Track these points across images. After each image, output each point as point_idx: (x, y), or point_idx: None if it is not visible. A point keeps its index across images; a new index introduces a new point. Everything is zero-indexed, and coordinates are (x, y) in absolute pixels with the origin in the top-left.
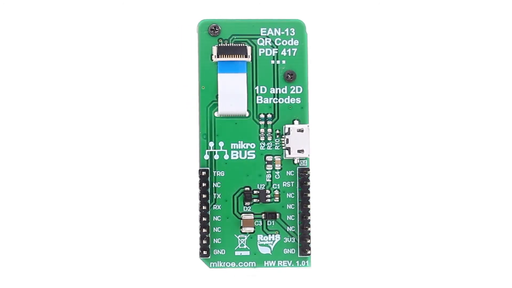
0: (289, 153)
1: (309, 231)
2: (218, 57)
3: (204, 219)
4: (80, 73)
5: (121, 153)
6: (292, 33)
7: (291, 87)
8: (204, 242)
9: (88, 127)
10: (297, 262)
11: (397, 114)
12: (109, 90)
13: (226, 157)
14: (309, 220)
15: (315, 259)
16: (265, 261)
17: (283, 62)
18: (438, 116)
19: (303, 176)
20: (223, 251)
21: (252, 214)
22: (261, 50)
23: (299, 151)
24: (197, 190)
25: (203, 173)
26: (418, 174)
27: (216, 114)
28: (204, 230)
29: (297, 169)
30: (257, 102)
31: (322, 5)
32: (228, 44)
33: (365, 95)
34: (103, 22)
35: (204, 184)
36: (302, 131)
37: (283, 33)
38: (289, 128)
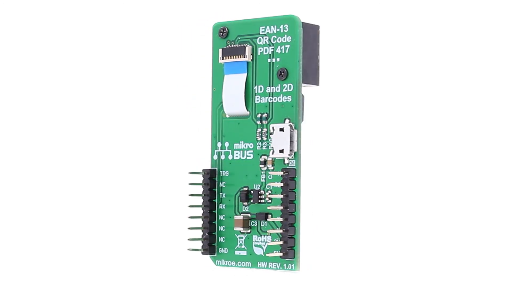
0: (273, 153)
1: (290, 234)
2: (222, 59)
3: (209, 217)
4: (94, 74)
5: (137, 153)
6: (286, 29)
7: (283, 85)
8: (210, 240)
9: (97, 125)
10: (284, 265)
11: (395, 115)
12: (130, 91)
13: (230, 157)
14: (291, 223)
15: (306, 263)
16: (258, 262)
17: (277, 60)
18: (433, 117)
19: (284, 177)
20: (226, 249)
21: (242, 215)
22: (260, 49)
23: (280, 151)
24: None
25: (207, 173)
26: (410, 177)
27: (224, 115)
28: (210, 228)
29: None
30: (256, 101)
31: (336, 6)
32: (233, 46)
33: (370, 96)
34: (118, 24)
35: (208, 184)
36: (283, 130)
37: (278, 30)
38: (273, 128)
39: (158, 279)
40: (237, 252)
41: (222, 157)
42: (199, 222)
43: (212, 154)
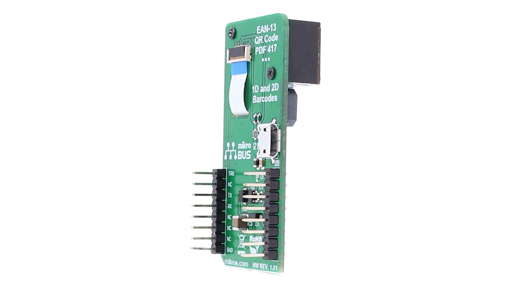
0: (259, 153)
1: (273, 235)
2: (229, 59)
3: (217, 217)
4: (104, 74)
5: (148, 153)
6: (274, 28)
7: (272, 85)
8: (219, 239)
9: (105, 125)
10: (270, 266)
11: (394, 115)
12: (143, 90)
13: (236, 157)
14: (273, 224)
15: (292, 265)
16: (253, 263)
17: (268, 59)
18: (432, 117)
19: (266, 177)
20: (231, 249)
21: (239, 215)
22: (257, 49)
23: (264, 151)
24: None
25: (215, 172)
26: (397, 179)
27: (233, 115)
28: (218, 228)
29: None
30: (253, 101)
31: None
32: (237, 46)
33: (370, 94)
34: (132, 23)
35: (216, 183)
36: (265, 130)
37: (269, 29)
38: (259, 128)
39: (165, 278)
40: (238, 252)
41: (230, 157)
42: (205, 222)
43: (224, 154)
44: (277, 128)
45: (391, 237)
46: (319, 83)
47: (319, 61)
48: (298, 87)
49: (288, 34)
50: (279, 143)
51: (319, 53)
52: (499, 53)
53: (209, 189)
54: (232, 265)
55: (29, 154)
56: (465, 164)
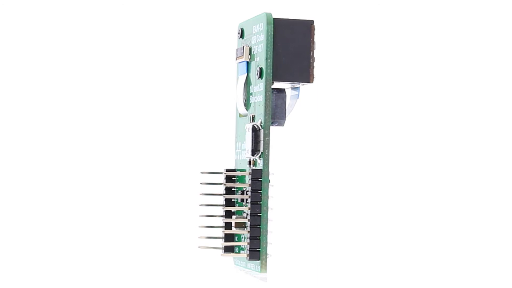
0: (246, 154)
1: (255, 236)
2: (236, 59)
3: (227, 218)
4: (116, 73)
5: (161, 151)
6: (261, 27)
7: (260, 85)
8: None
9: (119, 124)
10: (255, 266)
11: (389, 114)
12: (153, 89)
13: (241, 156)
14: (255, 224)
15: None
16: (247, 263)
17: (258, 59)
18: (426, 117)
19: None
20: (237, 249)
21: (235, 216)
22: (253, 49)
23: (248, 151)
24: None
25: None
26: (388, 181)
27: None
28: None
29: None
30: (250, 101)
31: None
32: (240, 46)
33: (364, 94)
34: (149, 22)
35: (225, 184)
36: (248, 130)
37: (259, 28)
38: (246, 128)
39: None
40: (241, 252)
41: (238, 156)
42: (214, 221)
43: (235, 154)
44: (260, 128)
45: (379, 239)
46: (312, 82)
47: (313, 60)
48: (289, 86)
49: (272, 33)
50: (261, 143)
51: (313, 51)
52: (487, 52)
53: (221, 189)
54: (239, 265)
55: (38, 155)
56: (461, 163)
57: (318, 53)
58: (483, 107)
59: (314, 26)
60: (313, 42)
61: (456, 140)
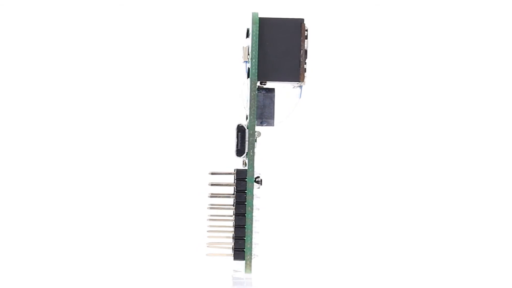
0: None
1: (240, 236)
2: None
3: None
4: (125, 72)
5: (175, 151)
6: (251, 28)
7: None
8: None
9: (129, 124)
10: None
11: (384, 114)
12: (161, 91)
13: None
14: (239, 224)
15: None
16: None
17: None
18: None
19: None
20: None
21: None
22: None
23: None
24: None
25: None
26: (379, 181)
27: None
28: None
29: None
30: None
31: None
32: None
33: (357, 93)
34: (165, 21)
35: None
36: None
37: (252, 30)
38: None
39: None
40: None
41: None
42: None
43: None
44: (245, 128)
45: (368, 239)
46: (303, 81)
47: (303, 59)
48: (280, 85)
49: (258, 32)
50: (246, 143)
51: (303, 50)
52: (486, 52)
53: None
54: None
55: (44, 155)
56: (461, 163)
57: (318, 54)
58: (482, 107)
59: (304, 25)
60: (304, 41)
61: (451, 140)
